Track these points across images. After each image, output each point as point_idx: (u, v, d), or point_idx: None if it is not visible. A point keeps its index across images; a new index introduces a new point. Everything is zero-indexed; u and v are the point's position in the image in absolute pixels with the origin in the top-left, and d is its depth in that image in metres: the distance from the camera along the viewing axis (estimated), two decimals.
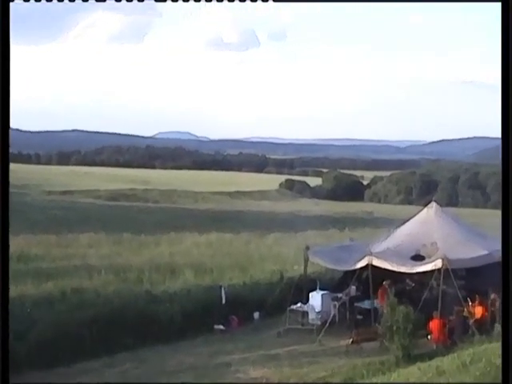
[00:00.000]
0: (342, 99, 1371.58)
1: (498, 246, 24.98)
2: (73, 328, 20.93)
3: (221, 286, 25.35)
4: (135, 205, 76.19)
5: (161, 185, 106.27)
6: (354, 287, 24.45)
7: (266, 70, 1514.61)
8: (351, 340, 21.80)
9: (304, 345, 21.75)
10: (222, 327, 23.85)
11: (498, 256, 23.48)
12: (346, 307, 24.20)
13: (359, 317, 23.66)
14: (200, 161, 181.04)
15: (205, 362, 20.31)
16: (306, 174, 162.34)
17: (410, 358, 19.22)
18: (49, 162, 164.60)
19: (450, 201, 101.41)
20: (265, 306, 24.95)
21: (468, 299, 22.29)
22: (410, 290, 23.99)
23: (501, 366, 13.88)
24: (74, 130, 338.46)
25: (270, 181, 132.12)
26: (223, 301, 24.84)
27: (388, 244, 25.05)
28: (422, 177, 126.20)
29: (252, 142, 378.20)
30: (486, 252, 23.65)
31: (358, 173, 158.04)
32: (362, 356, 20.41)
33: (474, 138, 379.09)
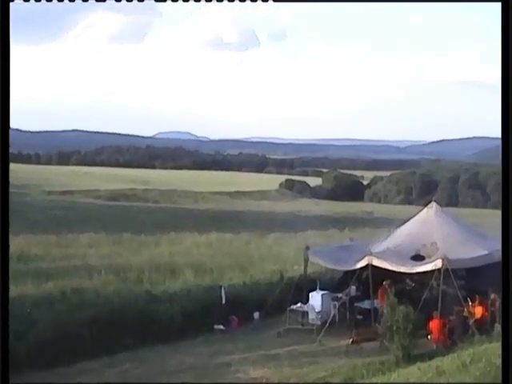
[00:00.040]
0: (342, 99, 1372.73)
1: (497, 245, 24.99)
2: (73, 328, 20.94)
3: (221, 286, 25.36)
4: (135, 205, 76.20)
5: (161, 185, 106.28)
6: (353, 287, 24.45)
7: (265, 70, 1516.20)
8: (351, 340, 21.81)
9: (304, 345, 21.75)
10: (222, 327, 23.85)
11: (497, 256, 23.49)
12: (346, 307, 24.21)
13: (359, 317, 23.66)
14: (200, 161, 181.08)
15: (205, 362, 20.32)
16: (305, 174, 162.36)
17: (410, 358, 19.22)
18: (49, 162, 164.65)
19: (450, 201, 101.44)
20: (265, 306, 24.95)
21: (468, 299, 22.30)
22: (410, 289, 23.99)
23: (501, 365, 13.90)
24: (73, 130, 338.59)
25: (270, 181, 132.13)
26: (223, 301, 24.85)
27: (388, 244, 25.06)
28: (422, 177, 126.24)
29: (252, 142, 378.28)
30: (485, 252, 23.66)
31: (357, 173, 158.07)
32: (362, 356, 20.41)
33: (474, 138, 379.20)
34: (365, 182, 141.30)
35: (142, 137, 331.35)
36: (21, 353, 18.58)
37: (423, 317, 21.01)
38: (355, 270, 24.18)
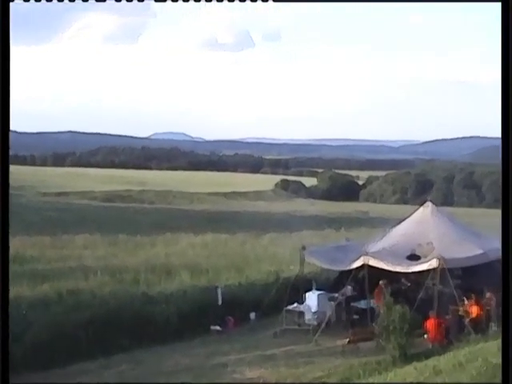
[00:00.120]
0: (342, 99, 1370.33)
1: (492, 245, 25.14)
2: (69, 329, 20.93)
3: (216, 287, 25.35)
4: (131, 206, 76.14)
5: (156, 186, 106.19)
6: (350, 287, 24.46)
7: (260, 71, 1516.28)
8: (348, 340, 21.82)
9: (300, 345, 21.77)
10: (218, 328, 23.84)
11: (493, 255, 23.64)
12: (343, 307, 24.22)
13: (355, 317, 23.68)
14: (195, 161, 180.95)
15: (201, 362, 20.31)
16: (301, 174, 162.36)
17: (406, 358, 19.24)
18: (44, 163, 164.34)
19: (445, 200, 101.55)
20: (261, 306, 24.94)
21: (464, 298, 22.35)
22: (406, 289, 24.02)
23: (497, 364, 13.93)
24: (69, 132, 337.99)
25: (266, 181, 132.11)
26: (219, 302, 24.84)
27: (384, 244, 25.08)
28: (417, 176, 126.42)
29: (247, 143, 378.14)
30: (481, 251, 23.73)
31: (352, 173, 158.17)
32: (359, 356, 20.43)
33: (469, 137, 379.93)
34: (360, 182, 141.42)
35: (138, 138, 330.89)
36: (17, 354, 18.52)
37: (419, 316, 21.02)
38: (351, 270, 24.18)
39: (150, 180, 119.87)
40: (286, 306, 24.29)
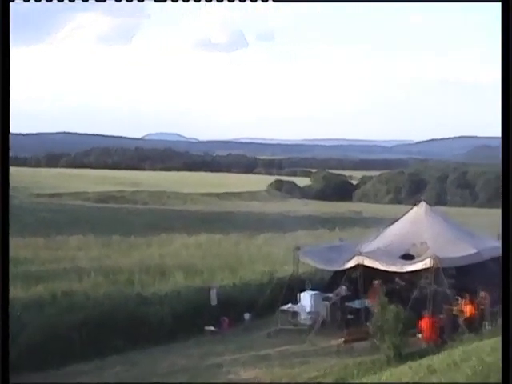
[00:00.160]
0: (342, 99, 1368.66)
1: (486, 244, 25.25)
2: (63, 331, 20.88)
3: (209, 288, 25.32)
4: (124, 207, 75.99)
5: (150, 186, 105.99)
6: (344, 287, 24.48)
7: (255, 71, 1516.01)
8: (343, 340, 21.84)
9: (295, 345, 21.79)
10: (212, 328, 23.83)
11: (486, 254, 23.72)
12: (337, 307, 24.24)
13: (350, 316, 23.70)
14: (189, 162, 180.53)
15: (196, 363, 20.31)
16: (294, 174, 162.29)
17: (401, 357, 19.29)
18: (38, 164, 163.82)
19: (439, 200, 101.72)
20: (255, 306, 24.92)
21: (458, 298, 22.40)
22: (401, 289, 24.05)
23: (492, 363, 13.97)
24: (62, 132, 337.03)
25: (259, 181, 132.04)
26: (213, 302, 24.82)
27: (378, 243, 25.12)
28: (411, 176, 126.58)
29: (241, 143, 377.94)
30: (474, 251, 23.79)
31: (346, 173, 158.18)
32: (353, 356, 20.46)
33: (462, 137, 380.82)
34: (354, 182, 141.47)
35: (131, 138, 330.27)
36: (11, 356, 18.44)
37: (414, 316, 21.07)
38: (345, 270, 24.22)
39: (144, 181, 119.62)
40: (281, 306, 24.30)
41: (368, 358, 19.83)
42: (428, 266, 22.29)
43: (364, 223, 54.47)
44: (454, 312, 22.18)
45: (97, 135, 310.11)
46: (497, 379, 13.32)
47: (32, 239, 39.64)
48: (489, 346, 16.75)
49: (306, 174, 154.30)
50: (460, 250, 23.74)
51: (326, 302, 24.32)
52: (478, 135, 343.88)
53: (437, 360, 17.00)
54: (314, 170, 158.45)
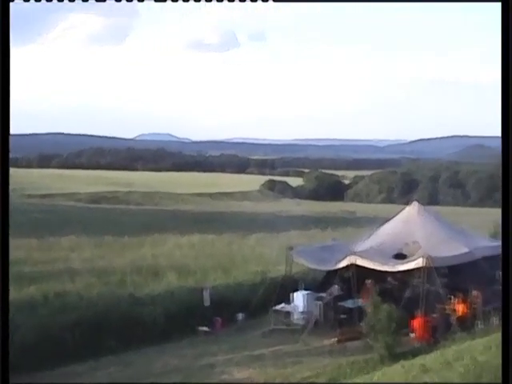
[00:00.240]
0: (342, 99, 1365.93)
1: (478, 243, 25.37)
2: (56, 332, 20.85)
3: (202, 289, 25.32)
4: (117, 207, 75.84)
5: (143, 187, 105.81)
6: (337, 287, 24.53)
7: (247, 71, 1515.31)
8: (336, 339, 21.88)
9: (288, 345, 21.83)
10: (206, 329, 23.83)
11: (478, 254, 23.82)
12: (330, 307, 24.27)
13: (343, 316, 23.74)
14: (182, 162, 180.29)
15: (190, 363, 20.34)
16: (287, 174, 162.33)
17: (393, 357, 19.34)
18: (29, 165, 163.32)
19: (431, 199, 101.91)
20: (248, 306, 24.96)
21: (450, 297, 22.47)
22: (393, 288, 24.11)
23: (485, 362, 14.02)
24: (54, 133, 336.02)
25: (252, 181, 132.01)
26: (206, 303, 24.81)
27: (371, 243, 25.21)
28: (403, 176, 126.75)
29: (233, 143, 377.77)
30: (467, 250, 23.88)
31: (338, 172, 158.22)
32: (347, 355, 20.51)
33: (454, 136, 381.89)
34: (346, 182, 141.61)
35: (123, 139, 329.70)
36: None
37: (406, 315, 21.14)
38: (338, 270, 24.27)
39: (137, 181, 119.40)
40: (274, 306, 24.32)
41: (361, 358, 19.90)
42: (420, 265, 22.37)
43: (356, 223, 54.48)
44: (446, 311, 22.26)
45: (89, 136, 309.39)
46: (489, 378, 13.40)
47: (24, 240, 39.45)
48: (481, 345, 16.83)
49: (299, 174, 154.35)
50: (452, 249, 23.84)
51: (319, 302, 24.36)
52: (471, 135, 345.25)
53: (429, 359, 17.07)
54: (306, 170, 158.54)
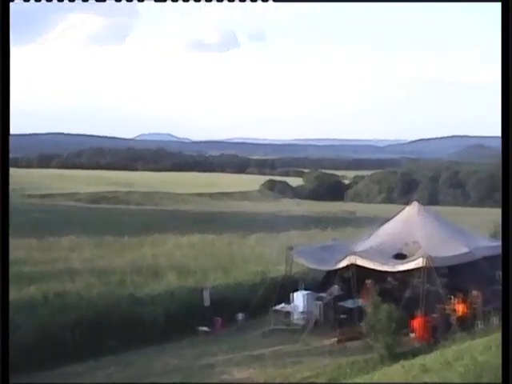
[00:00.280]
0: (342, 99, 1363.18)
1: (478, 243, 25.36)
2: (56, 332, 20.85)
3: (202, 289, 25.32)
4: (117, 207, 75.86)
5: (143, 187, 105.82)
6: (337, 287, 24.53)
7: (247, 71, 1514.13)
8: (336, 339, 21.88)
9: (288, 345, 21.83)
10: (206, 329, 23.83)
11: (478, 254, 23.82)
12: (330, 307, 24.27)
13: (343, 316, 23.74)
14: (182, 162, 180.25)
15: (190, 363, 20.34)
16: (287, 174, 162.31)
17: (393, 357, 19.33)
18: (29, 165, 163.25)
19: (431, 199, 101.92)
20: (248, 306, 24.96)
21: (450, 297, 22.47)
22: (393, 288, 24.11)
23: (485, 362, 14.02)
24: (54, 133, 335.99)
25: (252, 181, 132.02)
26: (206, 303, 24.82)
27: (371, 243, 25.20)
28: (403, 176, 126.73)
29: (233, 143, 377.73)
30: (467, 250, 23.88)
31: (338, 172, 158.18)
32: (347, 355, 20.51)
33: (454, 136, 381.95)
34: (346, 182, 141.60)
35: (124, 139, 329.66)
36: None
37: (406, 315, 21.14)
38: (338, 270, 24.27)
39: (137, 181, 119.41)
40: (274, 306, 24.32)
41: (361, 358, 19.90)
42: (420, 265, 22.37)
43: (356, 223, 54.48)
44: (446, 311, 22.25)
45: (89, 136, 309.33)
46: (489, 378, 13.39)
47: (24, 240, 39.45)
48: (481, 345, 16.83)
49: (299, 174, 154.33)
50: (452, 249, 23.83)
51: (319, 302, 24.36)
52: (471, 135, 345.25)
53: (429, 359, 17.07)
54: (306, 170, 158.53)
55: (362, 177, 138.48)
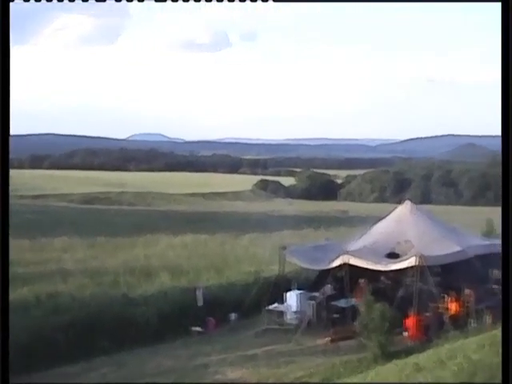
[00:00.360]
0: (342, 99, 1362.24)
1: (470, 242, 25.43)
2: (49, 333, 20.79)
3: (195, 289, 25.30)
4: (110, 208, 75.73)
5: (135, 187, 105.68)
6: (330, 286, 24.53)
7: (238, 71, 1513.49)
8: (329, 339, 21.89)
9: (281, 344, 21.82)
10: (199, 329, 23.81)
11: (471, 252, 23.88)
12: (323, 306, 24.28)
13: (336, 316, 23.74)
14: (174, 162, 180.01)
15: (183, 364, 20.31)
16: (279, 174, 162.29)
17: (387, 356, 19.35)
18: (21, 165, 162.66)
19: (424, 198, 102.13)
20: (241, 306, 24.94)
21: (443, 295, 22.51)
22: (386, 287, 24.14)
23: (478, 361, 14.04)
24: (46, 134, 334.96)
25: (244, 181, 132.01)
26: (199, 303, 24.80)
27: (363, 242, 25.22)
28: (396, 175, 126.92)
29: (226, 143, 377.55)
30: (459, 248, 23.93)
31: (331, 172, 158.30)
32: (340, 354, 20.53)
33: (446, 135, 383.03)
34: (339, 181, 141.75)
35: (116, 139, 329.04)
36: None
37: (399, 314, 21.16)
38: (331, 269, 24.28)
39: (129, 181, 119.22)
40: (267, 305, 24.31)
41: (354, 357, 19.91)
42: (413, 264, 22.39)
43: (349, 222, 54.53)
44: (439, 310, 22.30)
45: (81, 136, 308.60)
46: (483, 377, 13.42)
47: (16, 241, 39.26)
48: (474, 344, 16.85)
49: (291, 174, 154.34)
50: (445, 247, 23.88)
51: (312, 302, 24.36)
52: (463, 134, 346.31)
53: (423, 358, 17.09)
54: (298, 170, 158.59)
55: (355, 176, 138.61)
